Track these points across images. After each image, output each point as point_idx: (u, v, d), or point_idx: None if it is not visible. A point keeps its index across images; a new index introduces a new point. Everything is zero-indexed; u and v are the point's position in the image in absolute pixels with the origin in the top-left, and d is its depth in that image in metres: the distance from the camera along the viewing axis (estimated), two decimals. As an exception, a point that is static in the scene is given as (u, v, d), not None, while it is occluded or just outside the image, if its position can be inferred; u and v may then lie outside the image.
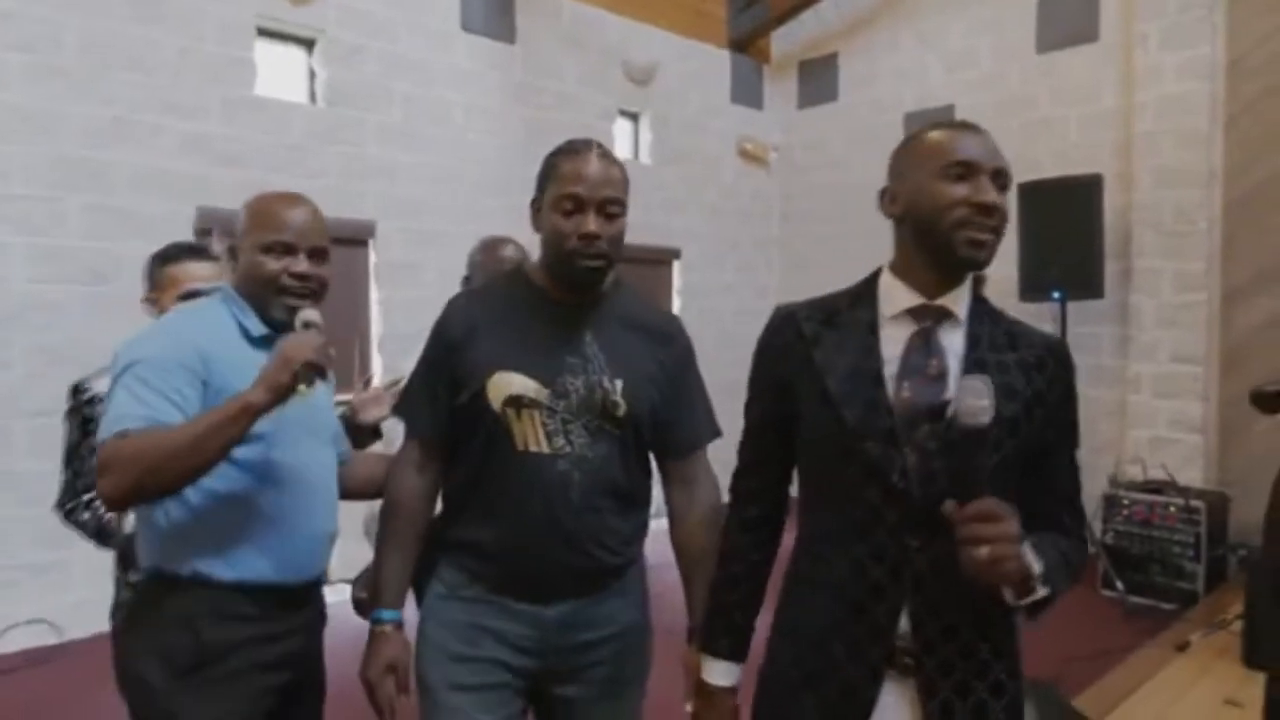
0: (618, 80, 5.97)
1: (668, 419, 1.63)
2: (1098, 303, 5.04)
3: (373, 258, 4.74)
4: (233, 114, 4.25)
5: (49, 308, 3.73)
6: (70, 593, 3.60)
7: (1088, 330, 5.24)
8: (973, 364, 1.20)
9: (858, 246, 6.21)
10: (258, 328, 1.61)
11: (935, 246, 1.20)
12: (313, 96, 4.64)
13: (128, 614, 1.65)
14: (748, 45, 6.82)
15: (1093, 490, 4.88)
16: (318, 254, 1.64)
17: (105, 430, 1.42)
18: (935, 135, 1.25)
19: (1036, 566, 1.11)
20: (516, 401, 1.53)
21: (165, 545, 1.54)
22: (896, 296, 1.25)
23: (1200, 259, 4.86)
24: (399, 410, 1.70)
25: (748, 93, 6.86)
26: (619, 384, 1.55)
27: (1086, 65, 5.37)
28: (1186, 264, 4.90)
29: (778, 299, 7.00)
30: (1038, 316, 5.25)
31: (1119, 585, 4.31)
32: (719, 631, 1.39)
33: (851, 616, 1.21)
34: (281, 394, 1.41)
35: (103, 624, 1.87)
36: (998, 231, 1.20)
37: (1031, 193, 4.90)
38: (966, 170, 1.18)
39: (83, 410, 1.92)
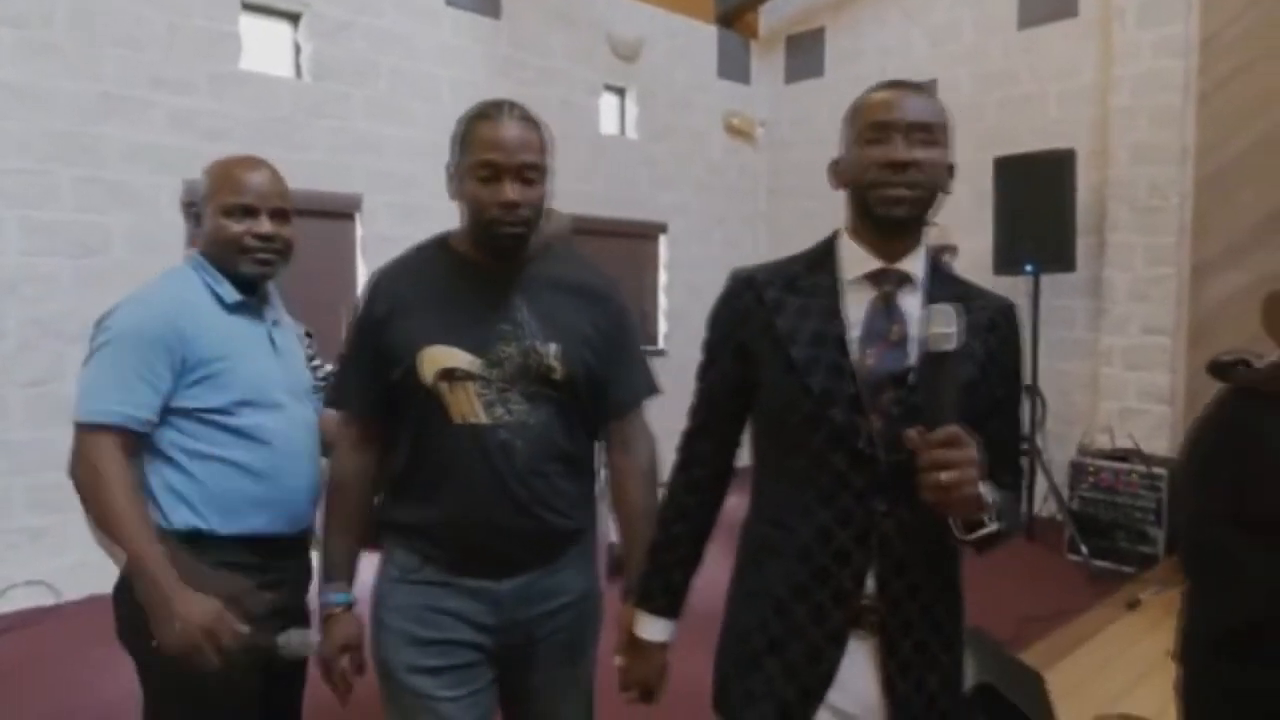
0: (604, 55, 6.02)
1: (604, 379, 1.59)
2: (1072, 276, 5.14)
3: (359, 231, 4.83)
4: (220, 89, 4.32)
5: (42, 279, 3.83)
6: (66, 555, 3.72)
7: (1062, 303, 5.35)
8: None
9: (842, 221, 6.32)
10: (231, 294, 1.65)
11: (864, 211, 1.23)
12: (299, 71, 4.71)
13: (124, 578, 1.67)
14: (735, 20, 6.85)
15: (1062, 459, 5.02)
16: (279, 215, 1.67)
17: (85, 408, 1.51)
18: (859, 102, 1.27)
19: (990, 497, 1.11)
20: (449, 375, 1.49)
21: (160, 502, 1.59)
22: (856, 260, 1.25)
23: (1171, 234, 4.96)
24: (330, 395, 1.68)
25: (735, 68, 6.91)
26: (553, 348, 1.51)
27: (1066, 41, 5.42)
28: (1158, 238, 4.99)
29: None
30: (1012, 289, 5.35)
31: (1084, 550, 4.45)
32: (657, 590, 1.40)
33: (816, 581, 1.21)
34: (179, 645, 1.44)
35: (98, 585, 1.96)
36: (916, 185, 1.19)
37: (1006, 167, 4.99)
38: (881, 132, 1.19)
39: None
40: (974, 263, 5.32)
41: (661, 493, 1.53)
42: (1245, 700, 1.47)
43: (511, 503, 1.49)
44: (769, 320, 1.26)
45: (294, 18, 4.68)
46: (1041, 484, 4.96)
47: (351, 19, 4.77)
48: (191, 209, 1.63)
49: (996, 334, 1.25)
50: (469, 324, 1.50)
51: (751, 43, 7.05)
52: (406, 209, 4.91)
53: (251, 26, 4.51)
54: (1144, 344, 5.07)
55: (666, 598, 1.40)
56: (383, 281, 1.58)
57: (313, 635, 1.60)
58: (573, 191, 5.54)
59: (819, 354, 1.21)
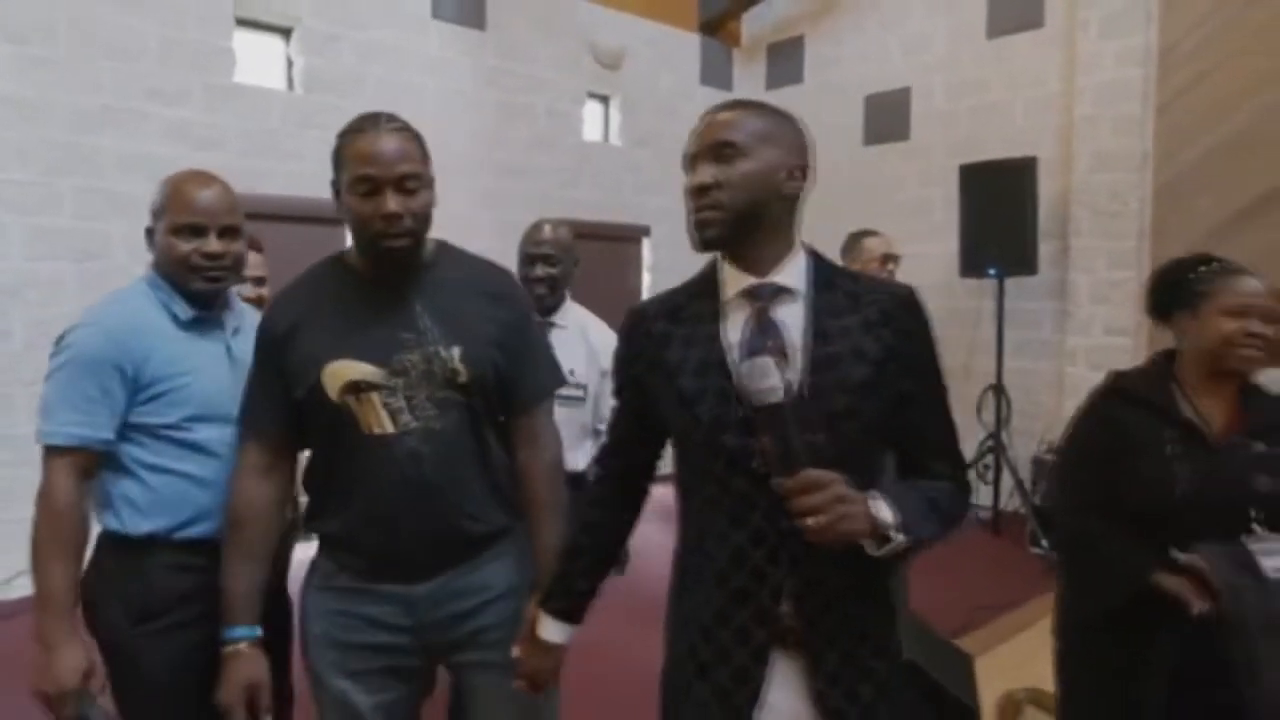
0: (588, 64, 6.21)
1: (510, 377, 1.57)
2: (1038, 280, 5.33)
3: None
4: (213, 101, 4.51)
5: (45, 284, 4.02)
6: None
7: (1030, 306, 5.53)
8: (815, 335, 1.20)
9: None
10: (185, 312, 1.68)
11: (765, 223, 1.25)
12: (290, 83, 4.90)
13: (92, 567, 1.70)
14: (718, 28, 7.04)
15: (1026, 455, 5.21)
16: (228, 232, 1.67)
17: (45, 430, 1.59)
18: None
19: (887, 516, 1.11)
20: (355, 387, 1.48)
21: (119, 511, 1.65)
22: (731, 280, 1.24)
23: (1132, 238, 5.14)
24: (240, 421, 1.61)
25: (717, 75, 7.09)
26: (456, 351, 1.50)
27: (1033, 51, 5.60)
28: (1119, 243, 5.18)
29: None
30: (978, 292, 5.57)
31: (1044, 543, 4.63)
32: (559, 594, 1.42)
33: (736, 603, 1.21)
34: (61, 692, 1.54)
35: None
36: (718, 206, 1.20)
37: (971, 174, 5.18)
38: (686, 162, 1.26)
39: None
40: (941, 266, 5.53)
41: None
42: (1105, 672, 1.66)
43: (422, 510, 1.49)
44: (658, 355, 1.27)
45: (286, 32, 4.87)
46: (1007, 479, 5.16)
47: (340, 32, 4.96)
48: (149, 230, 1.70)
49: (892, 326, 1.20)
50: (369, 336, 1.48)
51: (734, 50, 7.23)
52: (394, 215, 5.10)
53: (245, 41, 4.70)
54: (1106, 344, 5.25)
55: (567, 602, 1.42)
56: (280, 302, 1.58)
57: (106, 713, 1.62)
58: (557, 197, 5.76)
59: (705, 383, 1.21)
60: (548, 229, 2.51)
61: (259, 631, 1.56)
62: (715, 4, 6.90)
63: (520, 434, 1.62)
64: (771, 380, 1.10)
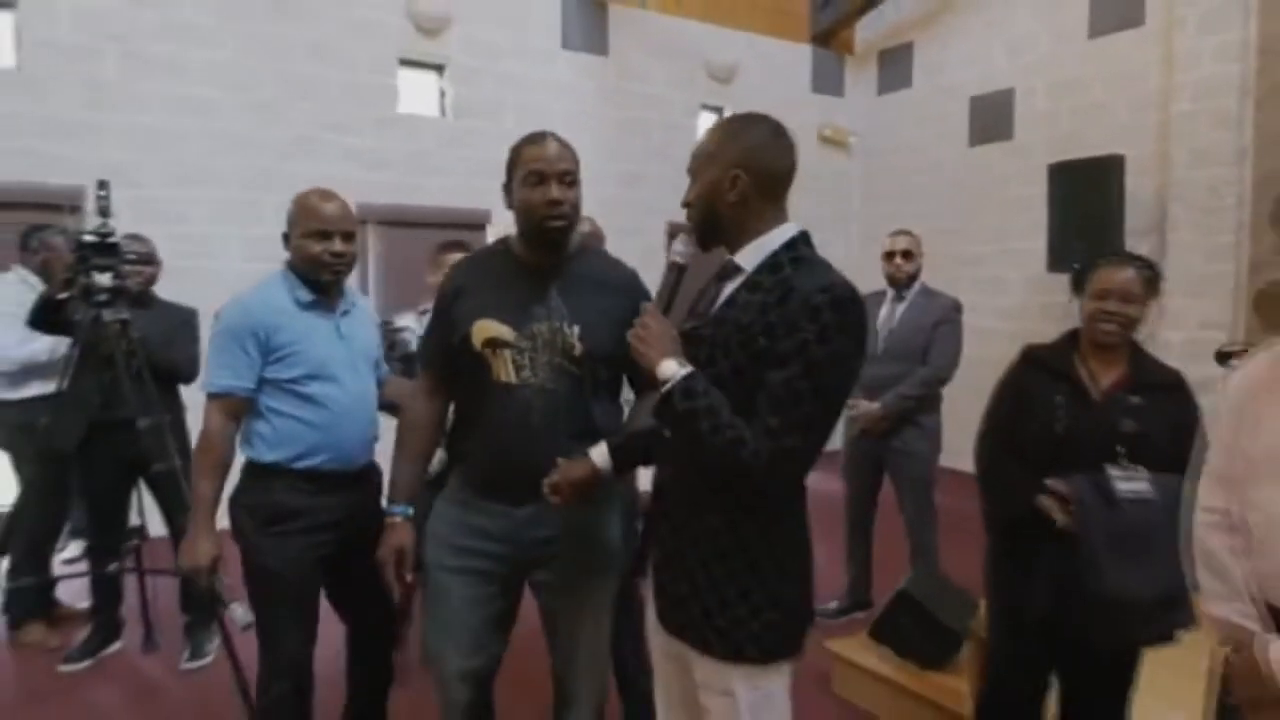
0: (701, 79, 6.83)
1: (630, 359, 1.76)
2: (1135, 273, 5.47)
3: (489, 237, 5.88)
4: (381, 129, 5.48)
5: (256, 280, 5.07)
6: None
7: (1127, 298, 5.66)
8: (727, 302, 1.47)
9: (933, 222, 6.82)
10: (305, 296, 2.12)
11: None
12: (443, 111, 5.82)
13: (241, 485, 2.17)
14: (830, 38, 7.46)
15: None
16: (348, 237, 2.11)
17: (208, 380, 2.09)
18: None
19: (672, 368, 1.38)
20: (494, 342, 1.81)
21: (254, 443, 2.11)
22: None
23: (1229, 232, 5.20)
24: (419, 354, 2.12)
25: (829, 82, 7.52)
26: (576, 329, 1.81)
27: (1133, 49, 5.71)
28: (1216, 237, 5.25)
29: (857, 271, 7.62)
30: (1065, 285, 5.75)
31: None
32: (619, 442, 1.78)
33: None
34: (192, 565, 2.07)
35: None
36: (691, 215, 1.52)
37: (1059, 172, 5.40)
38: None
39: (392, 335, 2.93)
40: (1035, 260, 5.77)
41: None
42: (1007, 564, 2.15)
43: (526, 449, 1.78)
44: None
45: (439, 68, 5.79)
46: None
47: (484, 66, 5.83)
48: (286, 235, 2.17)
49: (777, 311, 1.36)
50: (511, 305, 1.82)
51: (846, 58, 7.63)
52: (526, 220, 5.93)
53: (406, 77, 5.66)
54: (1201, 338, 5.30)
55: (622, 449, 1.75)
56: (455, 272, 1.97)
57: (243, 613, 2.19)
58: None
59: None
60: (588, 223, 2.74)
61: (410, 510, 1.93)
62: (828, 15, 7.32)
63: (642, 396, 1.92)
64: (678, 247, 1.53)
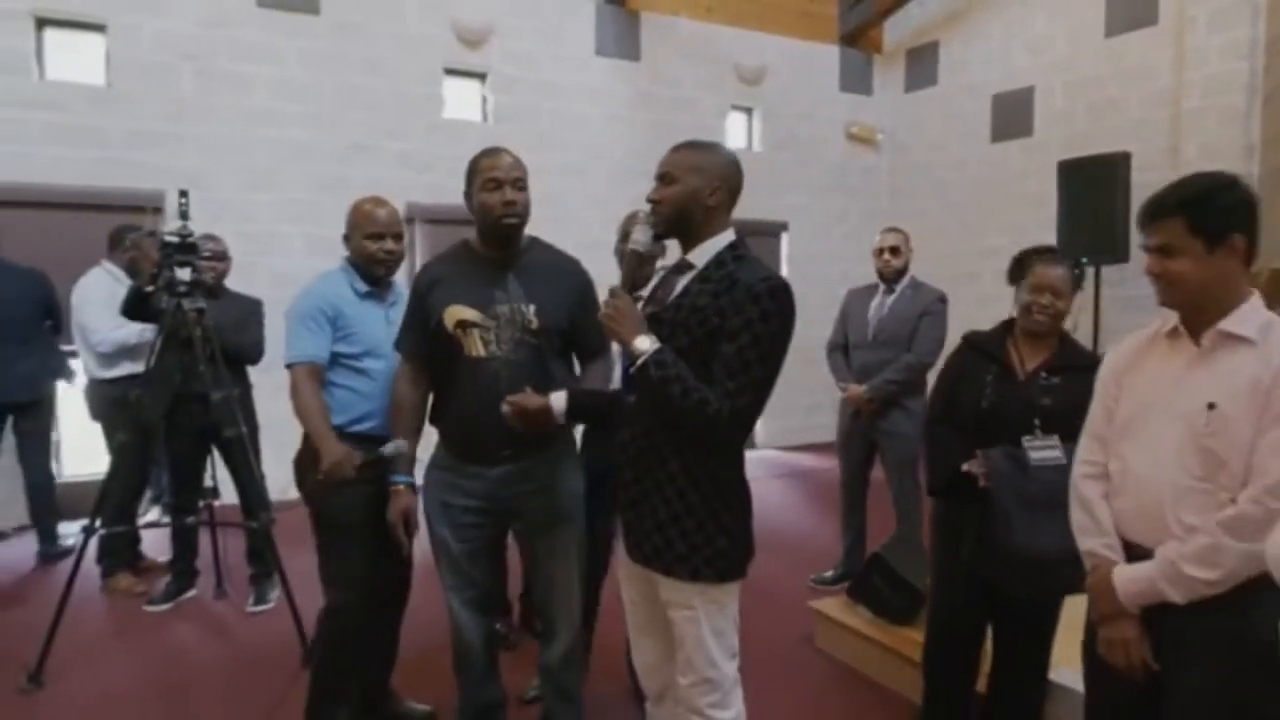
0: (731, 82, 7.14)
1: (576, 331, 2.27)
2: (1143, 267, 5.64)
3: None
4: (429, 135, 5.95)
5: (317, 274, 5.58)
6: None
7: (1135, 293, 5.80)
8: (682, 292, 1.79)
9: (955, 216, 7.04)
10: (362, 287, 2.48)
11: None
12: (485, 116, 6.26)
13: (304, 446, 2.48)
14: (859, 38, 7.70)
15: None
16: (397, 237, 2.50)
17: (289, 355, 2.40)
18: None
19: (642, 344, 1.69)
20: (464, 324, 2.14)
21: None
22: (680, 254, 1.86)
23: (1236, 225, 5.34)
24: (399, 338, 2.33)
25: (857, 81, 7.77)
26: (532, 308, 2.17)
27: (1146, 48, 5.88)
28: (1224, 230, 5.39)
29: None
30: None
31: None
32: (576, 393, 2.10)
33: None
34: (327, 474, 2.29)
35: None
36: (660, 215, 1.81)
37: (1068, 169, 5.60)
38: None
39: None
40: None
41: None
42: (942, 524, 2.47)
43: (495, 413, 2.04)
44: None
45: (481, 76, 6.23)
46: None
47: (523, 74, 6.25)
48: (346, 236, 2.55)
49: (724, 298, 1.70)
50: (476, 291, 2.16)
51: (874, 57, 7.86)
52: (558, 217, 6.27)
53: (451, 86, 6.11)
54: (1210, 327, 5.48)
55: (577, 400, 2.06)
56: (426, 268, 2.31)
57: (394, 446, 2.28)
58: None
59: None
60: (642, 215, 3.13)
61: (412, 479, 2.31)
62: (853, 16, 7.56)
63: (586, 365, 2.39)
64: (637, 235, 1.82)
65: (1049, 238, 6.08)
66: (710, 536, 1.77)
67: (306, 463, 2.47)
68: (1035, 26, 6.64)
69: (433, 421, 2.33)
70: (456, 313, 2.16)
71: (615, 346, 3.07)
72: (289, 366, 2.42)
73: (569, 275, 2.30)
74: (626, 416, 1.88)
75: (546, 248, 2.34)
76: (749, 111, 7.38)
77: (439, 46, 5.99)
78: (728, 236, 1.82)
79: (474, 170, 2.19)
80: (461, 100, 6.19)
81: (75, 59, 5.21)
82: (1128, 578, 1.65)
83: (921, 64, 7.60)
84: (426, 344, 2.24)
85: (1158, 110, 5.80)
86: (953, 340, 2.64)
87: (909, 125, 7.76)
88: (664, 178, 1.81)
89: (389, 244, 2.47)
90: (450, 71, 6.09)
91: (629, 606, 2.04)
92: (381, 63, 5.80)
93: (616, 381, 2.68)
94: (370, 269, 2.48)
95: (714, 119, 7.05)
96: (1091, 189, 5.49)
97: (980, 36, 7.06)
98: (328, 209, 5.65)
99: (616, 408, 2.00)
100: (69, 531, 4.85)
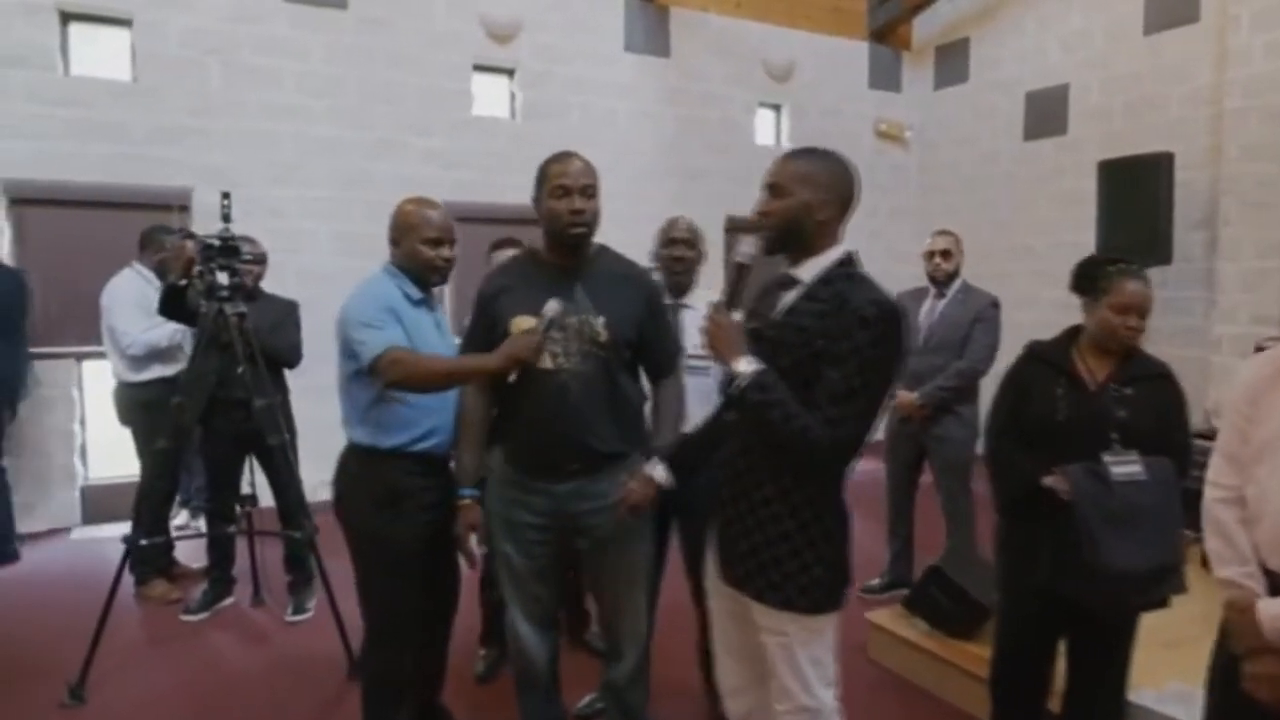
0: (760, 77, 7.05)
1: (645, 345, 2.19)
2: (1188, 269, 5.56)
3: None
4: (457, 131, 5.86)
5: (343, 273, 5.44)
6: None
7: (1178, 295, 5.73)
8: (790, 308, 1.71)
9: (986, 214, 6.94)
10: (416, 294, 2.31)
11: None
12: (513, 114, 6.17)
13: (348, 470, 2.34)
14: (888, 34, 7.59)
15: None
16: (453, 243, 2.35)
17: (376, 347, 2.12)
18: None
19: (743, 365, 1.63)
20: (530, 334, 2.04)
21: (374, 430, 2.26)
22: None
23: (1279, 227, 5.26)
24: (462, 349, 2.26)
25: (886, 78, 7.67)
26: (601, 319, 2.08)
27: (1187, 46, 5.76)
28: (1268, 232, 5.29)
29: (914, 262, 7.77)
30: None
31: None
32: (670, 452, 2.12)
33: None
34: (503, 372, 2.06)
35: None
36: (770, 228, 1.74)
37: (1109, 169, 5.50)
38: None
39: None
40: (1080, 255, 5.86)
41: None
42: (1013, 539, 2.39)
43: (562, 428, 2.05)
44: None
45: (510, 72, 6.14)
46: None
47: (551, 70, 6.16)
48: (394, 240, 2.38)
49: (831, 319, 1.63)
50: (543, 301, 2.04)
51: (903, 54, 7.75)
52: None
53: (480, 82, 6.02)
54: (1253, 333, 5.36)
55: (675, 457, 2.08)
56: (492, 276, 2.27)
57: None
58: (731, 195, 6.65)
59: None
60: (683, 222, 2.85)
61: (479, 492, 2.20)
62: (885, 12, 7.46)
63: (657, 385, 2.30)
64: (743, 248, 1.73)
65: (1084, 237, 5.99)
66: (806, 565, 1.70)
67: (352, 487, 2.33)
68: (1071, 23, 6.52)
69: (496, 435, 2.25)
70: (523, 323, 2.08)
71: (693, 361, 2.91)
72: (375, 360, 2.13)
73: (638, 285, 2.23)
74: (725, 433, 1.82)
75: (615, 256, 2.27)
76: (777, 108, 7.28)
77: (467, 41, 5.89)
78: (838, 252, 1.74)
79: (543, 175, 2.12)
80: (489, 96, 6.10)
81: (100, 54, 5.12)
82: (1275, 614, 1.57)
83: (951, 61, 7.49)
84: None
85: (1198, 109, 5.69)
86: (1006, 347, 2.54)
87: (938, 122, 7.65)
88: (773, 189, 1.73)
89: (446, 250, 2.34)
90: (479, 67, 6.00)
91: (717, 625, 1.97)
92: (409, 58, 5.71)
93: (694, 401, 2.63)
94: (425, 275, 2.34)
95: (743, 115, 6.96)
96: (1133, 189, 5.39)
97: (1013, 33, 6.95)
98: (355, 206, 5.60)
99: (702, 444, 1.97)
100: (92, 536, 4.80)
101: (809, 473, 1.69)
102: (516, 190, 6.01)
